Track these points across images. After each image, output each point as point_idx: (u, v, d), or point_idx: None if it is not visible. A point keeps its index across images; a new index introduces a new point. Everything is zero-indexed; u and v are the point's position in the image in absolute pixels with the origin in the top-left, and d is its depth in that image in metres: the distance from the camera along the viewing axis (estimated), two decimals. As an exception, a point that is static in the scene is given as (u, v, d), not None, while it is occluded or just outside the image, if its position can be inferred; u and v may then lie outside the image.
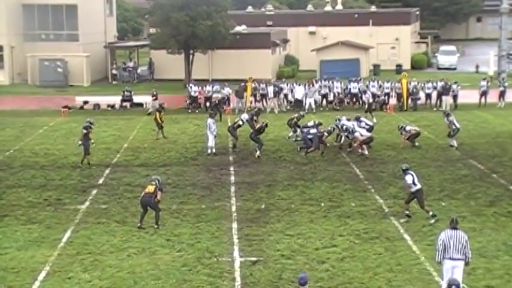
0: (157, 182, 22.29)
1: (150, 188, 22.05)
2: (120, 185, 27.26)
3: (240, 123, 33.63)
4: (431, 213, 22.43)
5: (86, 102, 49.53)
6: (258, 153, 31.48)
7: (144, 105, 49.09)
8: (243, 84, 47.00)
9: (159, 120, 36.40)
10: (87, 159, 30.31)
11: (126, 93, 48.04)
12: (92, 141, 30.67)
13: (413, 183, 22.29)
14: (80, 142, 30.39)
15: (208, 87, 47.10)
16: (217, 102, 43.83)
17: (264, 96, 46.60)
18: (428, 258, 18.90)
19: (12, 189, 26.95)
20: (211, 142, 32.46)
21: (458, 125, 33.02)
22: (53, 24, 62.89)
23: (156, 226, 21.77)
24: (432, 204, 23.98)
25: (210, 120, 32.70)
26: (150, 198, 21.88)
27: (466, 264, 16.32)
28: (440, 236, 16.34)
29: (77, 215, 23.47)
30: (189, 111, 45.44)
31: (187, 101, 47.68)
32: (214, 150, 32.40)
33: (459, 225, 16.72)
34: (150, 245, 20.49)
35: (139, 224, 21.87)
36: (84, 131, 30.09)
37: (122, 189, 26.72)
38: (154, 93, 46.19)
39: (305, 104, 45.50)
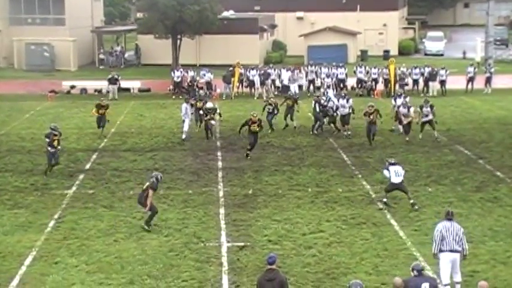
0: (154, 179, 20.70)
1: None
2: (108, 170, 27.21)
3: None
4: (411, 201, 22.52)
5: (72, 87, 49.34)
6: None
7: (132, 90, 48.99)
8: (230, 69, 46.92)
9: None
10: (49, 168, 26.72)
11: (114, 76, 47.27)
12: (59, 147, 26.94)
13: (395, 175, 22.40)
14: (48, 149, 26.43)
15: (191, 73, 46.99)
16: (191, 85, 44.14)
17: (251, 82, 46.43)
18: (415, 244, 19.01)
19: (-2, 173, 26.88)
20: (186, 127, 32.37)
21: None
22: (39, 8, 62.52)
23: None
24: (419, 190, 24.12)
25: (184, 105, 32.71)
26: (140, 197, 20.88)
27: (464, 257, 16.21)
28: (438, 227, 16.06)
29: (64, 200, 23.43)
30: (173, 97, 45.28)
31: (170, 87, 47.58)
32: (184, 136, 32.26)
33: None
34: (137, 230, 20.47)
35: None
36: (47, 140, 26.32)
37: (109, 174, 26.68)
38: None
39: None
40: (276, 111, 34.14)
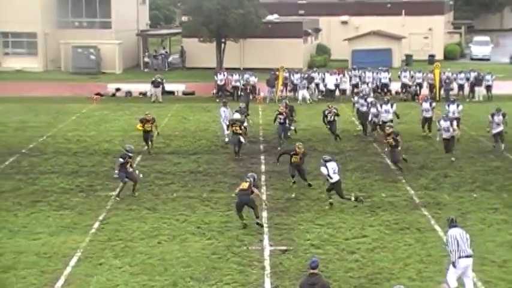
0: (252, 179, 21.26)
1: (244, 185, 21.17)
2: (151, 172, 27.40)
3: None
4: (353, 198, 22.89)
5: (118, 90, 49.80)
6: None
7: (176, 93, 49.33)
8: (272, 72, 46.90)
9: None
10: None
11: (157, 79, 47.43)
12: (138, 172, 25.68)
13: (329, 175, 22.51)
14: (116, 172, 24.33)
15: (236, 76, 47.08)
16: (248, 90, 43.92)
17: (295, 85, 46.29)
18: (459, 250, 18.80)
19: (45, 175, 27.23)
20: (227, 130, 31.85)
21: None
22: (86, 11, 63.45)
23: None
24: (464, 196, 23.88)
25: (222, 109, 32.71)
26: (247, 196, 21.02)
27: None
28: (451, 235, 15.85)
29: (108, 202, 23.66)
30: (217, 100, 45.33)
31: (214, 91, 47.76)
32: (227, 139, 31.87)
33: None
34: (181, 232, 20.60)
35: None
36: (121, 160, 24.27)
37: (153, 176, 26.85)
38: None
39: (299, 95, 45.21)
40: (288, 122, 32.12)
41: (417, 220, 21.54)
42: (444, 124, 28.78)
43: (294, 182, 25.50)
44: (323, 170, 22.66)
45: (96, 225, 21.33)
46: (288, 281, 17.11)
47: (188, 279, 17.26)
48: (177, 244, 19.65)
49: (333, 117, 32.59)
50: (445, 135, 28.77)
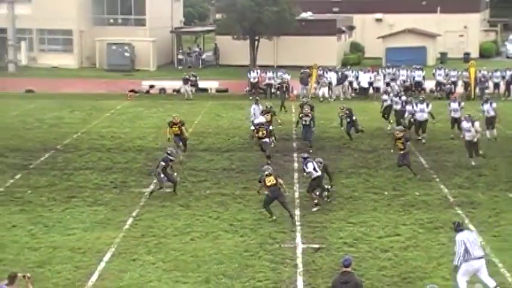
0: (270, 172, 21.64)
1: (272, 180, 21.37)
2: (185, 169, 27.50)
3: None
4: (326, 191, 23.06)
5: (151, 87, 50.11)
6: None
7: (209, 91, 49.49)
8: (302, 71, 46.64)
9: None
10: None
11: (191, 77, 47.75)
12: (176, 173, 25.19)
13: (315, 170, 22.64)
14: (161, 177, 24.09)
15: (269, 73, 47.07)
16: (284, 88, 43.86)
17: (329, 83, 46.07)
18: (494, 249, 18.63)
19: (79, 171, 27.46)
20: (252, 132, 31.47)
21: None
22: (121, 9, 63.98)
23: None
24: (498, 195, 23.65)
25: (253, 106, 32.72)
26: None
27: None
28: (460, 240, 15.64)
29: (142, 198, 23.80)
30: (250, 98, 45.27)
31: (247, 88, 47.80)
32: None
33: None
34: (213, 229, 20.66)
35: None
36: (163, 164, 23.98)
37: (186, 173, 26.95)
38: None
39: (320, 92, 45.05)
40: (313, 124, 31.07)
41: (451, 219, 21.26)
42: (466, 125, 27.65)
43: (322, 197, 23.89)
44: (310, 165, 22.63)
45: (130, 221, 21.47)
46: (320, 279, 17.09)
47: (221, 276, 17.31)
48: (210, 241, 19.71)
49: (348, 118, 32.25)
50: (467, 137, 27.59)
